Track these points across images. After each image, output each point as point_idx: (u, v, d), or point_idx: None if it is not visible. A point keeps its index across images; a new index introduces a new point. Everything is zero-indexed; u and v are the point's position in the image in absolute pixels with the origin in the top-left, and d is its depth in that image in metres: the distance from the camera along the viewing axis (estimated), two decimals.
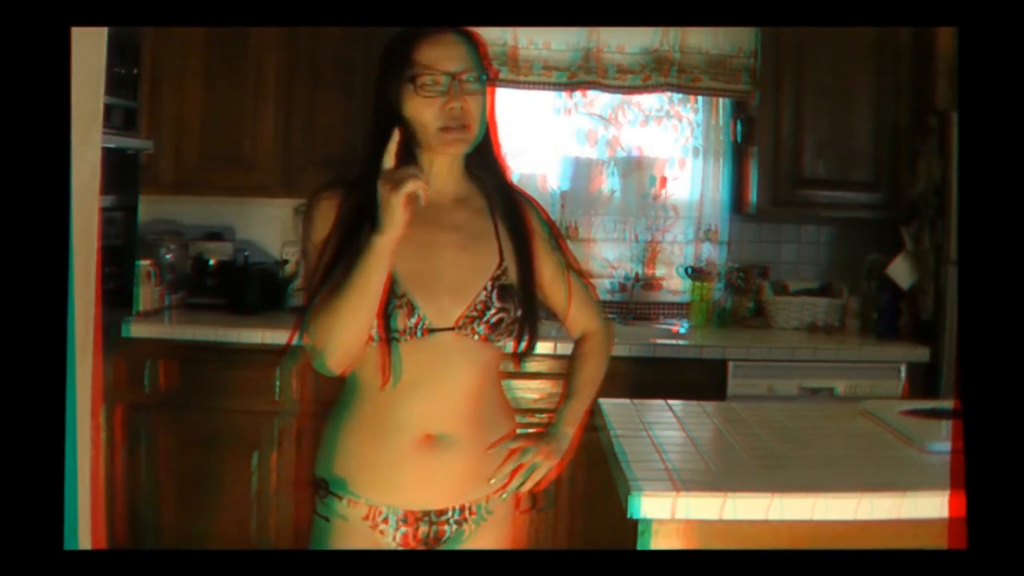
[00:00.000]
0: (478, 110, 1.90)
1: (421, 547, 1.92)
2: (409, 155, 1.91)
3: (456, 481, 1.91)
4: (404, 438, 1.87)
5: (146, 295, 3.92)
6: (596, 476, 3.53)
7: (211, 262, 4.21)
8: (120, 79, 3.69)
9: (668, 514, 1.86)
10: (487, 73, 1.92)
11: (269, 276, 4.24)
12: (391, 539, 1.91)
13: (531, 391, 3.67)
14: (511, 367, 2.02)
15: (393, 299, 1.85)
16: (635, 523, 1.90)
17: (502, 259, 1.94)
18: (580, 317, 2.08)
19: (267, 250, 4.40)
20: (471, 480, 1.92)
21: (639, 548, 1.89)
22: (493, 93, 1.96)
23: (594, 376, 2.08)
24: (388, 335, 1.85)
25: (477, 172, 1.98)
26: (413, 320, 1.86)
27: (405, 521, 1.90)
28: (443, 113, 1.86)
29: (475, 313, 1.88)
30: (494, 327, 1.90)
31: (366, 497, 1.90)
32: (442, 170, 1.94)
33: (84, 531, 1.38)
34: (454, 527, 1.93)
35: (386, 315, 1.84)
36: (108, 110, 3.50)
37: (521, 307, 1.94)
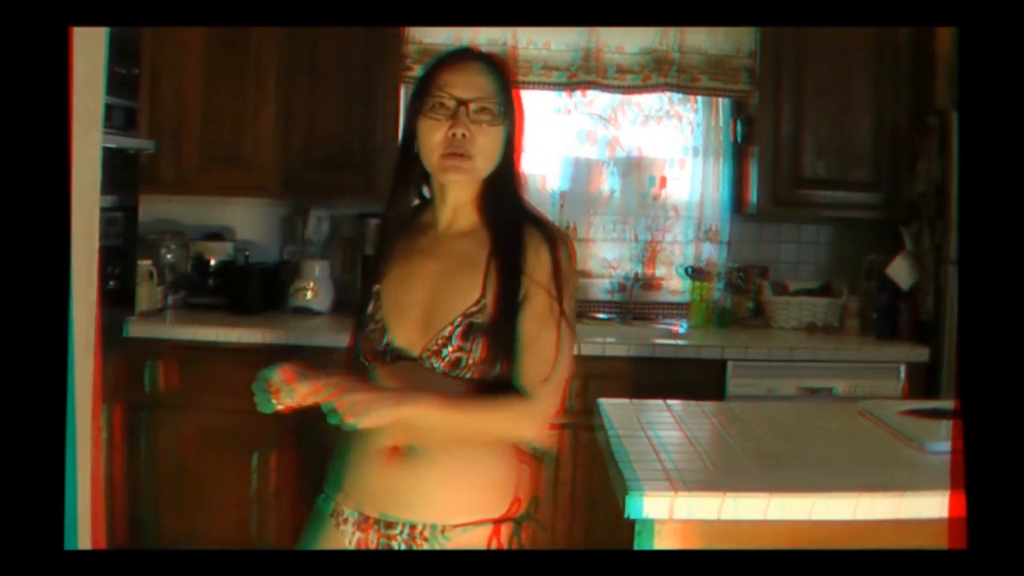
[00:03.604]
0: (489, 142, 1.86)
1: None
2: (421, 182, 1.96)
3: (411, 494, 1.85)
4: (372, 443, 1.87)
5: (146, 295, 3.92)
6: (596, 476, 3.53)
7: (211, 262, 4.21)
8: (120, 79, 3.69)
9: (667, 514, 1.86)
10: (509, 107, 1.89)
11: (269, 276, 4.24)
12: (347, 542, 1.90)
13: None
14: None
15: (371, 321, 1.91)
16: (634, 523, 1.89)
17: (482, 295, 1.85)
18: (527, 379, 1.83)
19: (267, 250, 4.40)
20: (426, 498, 1.85)
21: (637, 548, 1.89)
22: (520, 127, 1.91)
23: (489, 420, 1.83)
24: (366, 356, 1.91)
25: (488, 206, 1.92)
26: (383, 344, 1.89)
27: (364, 523, 1.89)
28: (446, 139, 1.85)
29: (435, 347, 1.85)
30: (453, 364, 1.83)
31: (337, 494, 1.93)
32: (454, 199, 1.92)
33: (84, 531, 1.38)
34: (402, 545, 1.86)
35: (361, 335, 1.92)
36: (108, 110, 3.50)
37: (488, 350, 1.83)
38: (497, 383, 1.84)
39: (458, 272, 1.89)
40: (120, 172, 3.76)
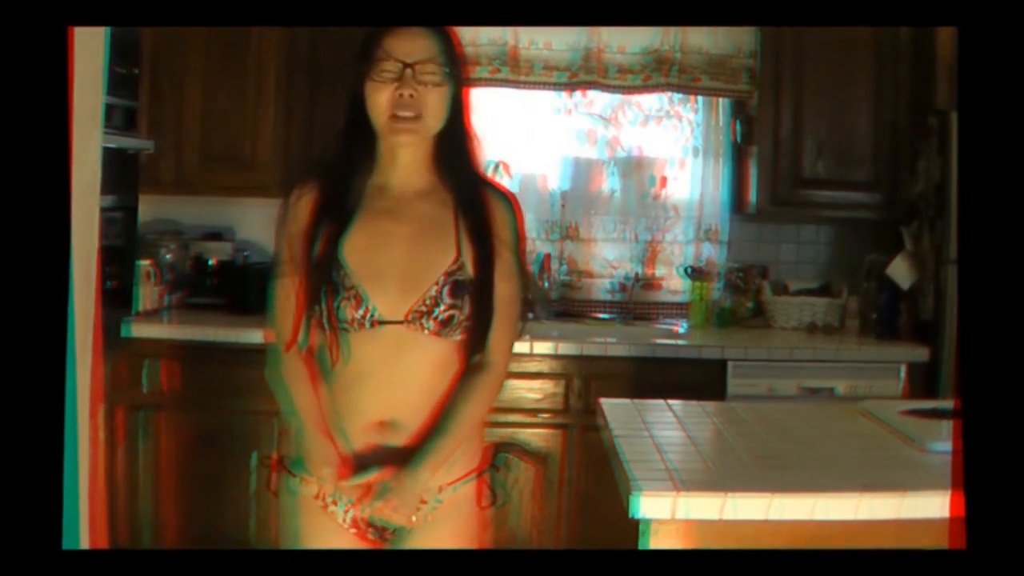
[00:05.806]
0: (436, 102, 1.90)
1: (371, 529, 1.94)
2: (371, 146, 1.96)
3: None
4: (355, 422, 1.90)
5: (146, 295, 3.92)
6: (596, 476, 3.53)
7: (211, 262, 4.21)
8: (120, 79, 3.69)
9: (668, 514, 1.86)
10: (454, 67, 1.92)
11: (268, 276, 4.23)
12: (341, 519, 1.94)
13: (533, 391, 3.67)
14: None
15: (341, 291, 1.88)
16: (635, 523, 1.89)
17: (459, 255, 1.92)
18: (496, 341, 1.95)
19: (267, 250, 4.39)
20: None
21: (639, 548, 1.89)
22: (467, 89, 1.96)
23: (474, 418, 1.94)
24: (337, 325, 1.88)
25: (444, 165, 1.97)
26: (361, 312, 1.87)
27: (352, 503, 1.91)
28: (393, 99, 1.89)
29: (424, 308, 1.88)
30: (444, 323, 1.89)
31: (317, 476, 1.93)
32: (405, 160, 1.95)
33: (84, 531, 1.38)
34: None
35: (334, 306, 1.88)
36: (108, 110, 3.50)
37: (473, 306, 1.91)
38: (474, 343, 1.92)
39: (428, 234, 1.93)
40: (120, 172, 3.76)
